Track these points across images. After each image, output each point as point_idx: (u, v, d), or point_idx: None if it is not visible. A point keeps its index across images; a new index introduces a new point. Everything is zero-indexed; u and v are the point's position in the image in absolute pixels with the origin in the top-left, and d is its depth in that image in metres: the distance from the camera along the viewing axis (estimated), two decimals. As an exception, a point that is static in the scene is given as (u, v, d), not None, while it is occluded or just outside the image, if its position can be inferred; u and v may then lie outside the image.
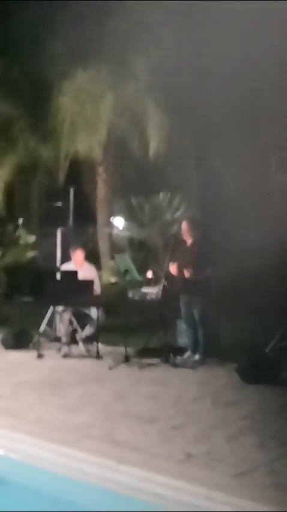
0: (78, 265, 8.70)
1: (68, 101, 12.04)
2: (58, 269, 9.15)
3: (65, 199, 9.70)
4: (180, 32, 11.31)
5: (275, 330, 6.89)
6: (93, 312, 8.33)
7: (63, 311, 8.44)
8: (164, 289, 7.61)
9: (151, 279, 8.93)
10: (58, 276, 8.76)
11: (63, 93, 12.03)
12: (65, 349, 8.21)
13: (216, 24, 9.33)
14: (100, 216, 14.05)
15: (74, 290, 8.10)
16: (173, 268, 7.53)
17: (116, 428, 4.76)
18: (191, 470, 3.85)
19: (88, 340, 8.36)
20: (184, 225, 7.71)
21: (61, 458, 4.23)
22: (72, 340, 8.42)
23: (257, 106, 10.75)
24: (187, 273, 7.33)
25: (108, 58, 11.99)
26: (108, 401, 5.65)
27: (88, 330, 8.42)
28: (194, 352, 7.54)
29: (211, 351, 7.44)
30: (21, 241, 12.54)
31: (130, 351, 7.69)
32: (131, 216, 13.49)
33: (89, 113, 12.21)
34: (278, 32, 8.53)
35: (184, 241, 7.67)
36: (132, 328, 8.04)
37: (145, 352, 7.81)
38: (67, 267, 8.81)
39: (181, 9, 10.62)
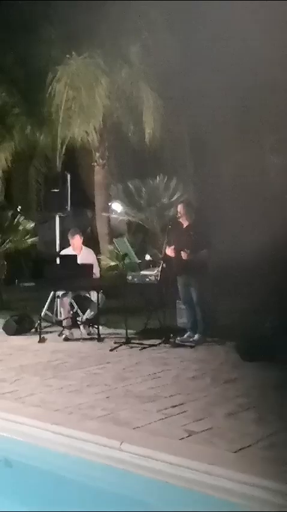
0: (77, 250, 8.68)
1: (62, 86, 11.93)
2: (58, 254, 9.14)
3: (62, 185, 9.68)
4: (173, 15, 11.19)
5: (273, 309, 6.89)
6: (94, 296, 8.33)
7: (64, 295, 8.44)
8: (163, 271, 7.60)
9: (150, 261, 8.93)
10: (58, 261, 8.75)
11: (58, 79, 11.92)
12: (66, 332, 8.23)
13: (212, 8, 9.21)
14: (98, 201, 14.04)
15: (74, 274, 8.09)
16: (170, 251, 7.52)
17: (117, 409, 4.76)
18: (192, 446, 3.86)
19: (89, 323, 8.37)
20: (180, 208, 7.70)
21: (64, 439, 4.24)
22: (74, 324, 8.44)
23: (253, 89, 10.67)
24: (183, 255, 7.34)
25: (101, 43, 11.88)
26: (110, 383, 5.66)
27: (89, 313, 8.43)
28: (193, 332, 7.55)
29: (210, 330, 7.46)
30: (21, 228, 12.49)
31: (131, 332, 7.71)
32: (128, 200, 13.45)
33: (84, 98, 12.12)
34: (276, 19, 8.42)
35: (181, 224, 7.66)
36: (133, 310, 8.05)
37: (145, 334, 7.85)
38: (67, 252, 8.80)
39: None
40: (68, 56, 11.78)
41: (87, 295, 8.45)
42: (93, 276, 8.24)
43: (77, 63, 11.86)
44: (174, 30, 11.22)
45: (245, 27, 9.26)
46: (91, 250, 8.96)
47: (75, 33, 11.80)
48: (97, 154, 13.83)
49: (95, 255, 8.99)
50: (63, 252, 8.94)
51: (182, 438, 4.01)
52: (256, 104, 10.67)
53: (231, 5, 8.93)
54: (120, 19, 11.73)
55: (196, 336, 7.45)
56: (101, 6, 11.30)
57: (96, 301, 8.17)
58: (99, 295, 8.17)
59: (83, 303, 8.46)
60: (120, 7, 11.35)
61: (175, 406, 4.77)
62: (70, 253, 8.62)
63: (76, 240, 8.73)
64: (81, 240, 8.78)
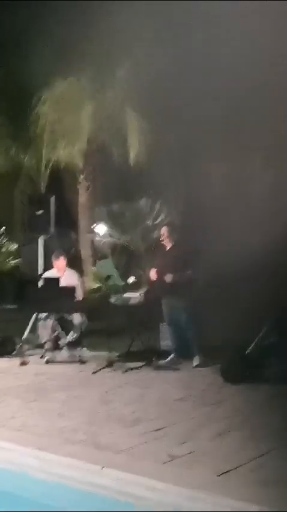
0: (61, 272, 8.62)
1: (48, 108, 11.98)
2: (40, 276, 9.07)
3: (46, 207, 9.66)
4: (158, 41, 11.32)
5: (258, 328, 6.86)
6: (77, 318, 8.24)
7: (46, 317, 8.35)
8: (146, 293, 7.57)
9: (133, 283, 8.89)
10: (40, 283, 8.67)
11: (44, 101, 11.97)
12: (48, 355, 8.12)
13: (195, 31, 9.34)
14: (82, 223, 14.01)
15: (57, 296, 8.02)
16: (153, 273, 7.50)
17: (100, 432, 4.67)
18: (175, 471, 3.78)
19: (72, 345, 8.28)
20: (164, 230, 7.70)
21: (45, 464, 4.14)
22: (56, 346, 8.34)
23: (239, 110, 10.76)
24: (167, 276, 7.31)
25: (88, 66, 11.98)
26: (92, 406, 5.57)
27: (71, 336, 8.34)
28: (177, 354, 7.49)
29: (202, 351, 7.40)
30: (4, 249, 12.42)
31: (114, 355, 7.63)
32: (112, 222, 13.47)
33: (69, 121, 12.18)
34: (259, 33, 8.56)
35: (164, 246, 7.65)
36: (116, 332, 7.98)
37: (128, 356, 7.77)
38: (50, 274, 8.73)
39: (159, 22, 10.62)
40: (54, 78, 11.85)
41: (70, 317, 8.36)
42: (76, 298, 8.17)
43: (63, 86, 11.93)
44: (160, 54, 11.34)
45: (231, 48, 9.36)
46: (75, 272, 8.90)
47: (62, 57, 11.88)
48: (82, 176, 13.85)
49: (78, 277, 8.92)
50: (46, 274, 8.87)
51: (166, 462, 3.93)
52: (241, 125, 10.76)
53: (214, 28, 9.05)
54: (106, 43, 11.84)
55: (196, 359, 7.35)
56: (88, 30, 11.41)
57: (78, 324, 8.09)
58: (82, 317, 8.09)
59: (65, 325, 8.37)
60: (107, 31, 11.46)
61: (158, 429, 4.70)
62: (53, 275, 8.55)
63: (60, 262, 8.67)
64: (65, 262, 8.73)
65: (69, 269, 8.78)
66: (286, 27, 8.08)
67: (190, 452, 4.11)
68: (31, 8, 11.43)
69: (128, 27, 11.44)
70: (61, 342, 8.35)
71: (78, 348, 8.00)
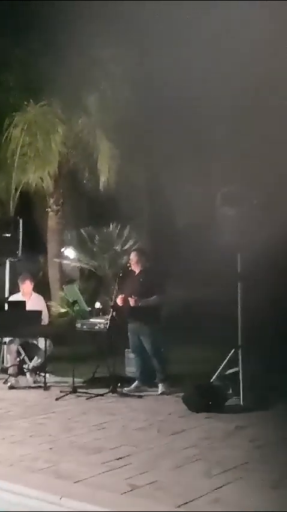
0: (27, 295, 8.54)
1: (19, 132, 11.99)
2: (6, 300, 8.96)
3: (14, 230, 9.58)
4: (130, 66, 11.48)
5: (222, 358, 6.90)
6: (42, 343, 8.16)
7: (11, 342, 8.24)
8: (112, 319, 7.54)
9: (100, 309, 8.87)
10: (5, 307, 8.57)
11: (15, 125, 11.98)
12: (11, 380, 8.00)
13: (166, 58, 9.51)
14: (51, 247, 13.94)
15: (22, 321, 7.93)
16: (120, 298, 7.49)
17: (61, 461, 4.61)
18: (136, 501, 3.75)
19: (36, 370, 8.17)
20: (132, 256, 7.74)
21: (3, 494, 4.06)
22: (20, 371, 8.22)
23: (207, 137, 10.92)
24: (133, 302, 7.32)
25: (59, 92, 12.05)
26: (54, 433, 5.50)
27: (36, 361, 8.23)
28: (141, 381, 7.47)
29: (168, 379, 7.38)
30: None
31: (78, 381, 7.56)
32: (81, 246, 13.44)
33: (40, 144, 12.19)
34: (234, 58, 8.75)
35: (132, 271, 7.67)
36: (81, 358, 7.92)
37: (92, 382, 7.72)
38: (16, 297, 8.64)
39: (132, 46, 10.79)
40: (26, 103, 11.88)
41: (35, 342, 8.27)
42: (42, 323, 8.09)
43: (35, 111, 11.97)
44: (132, 81, 11.49)
45: (204, 75, 9.53)
46: (41, 296, 8.83)
47: (34, 82, 11.95)
48: (51, 200, 13.81)
49: (44, 302, 8.85)
50: (12, 298, 8.77)
51: (125, 492, 3.89)
52: (211, 154, 10.90)
53: (189, 54, 9.19)
54: (79, 69, 11.95)
55: (160, 387, 7.32)
56: (61, 56, 11.51)
57: (43, 349, 8.01)
58: (47, 342, 8.01)
59: (30, 350, 8.27)
60: (80, 57, 11.58)
61: (120, 458, 4.66)
62: (19, 299, 8.47)
63: (26, 286, 8.60)
64: (32, 286, 8.66)
65: (36, 293, 8.71)
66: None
67: (151, 483, 4.08)
68: (4, 35, 11.51)
69: (98, 56, 11.63)
70: (25, 367, 8.23)
71: (43, 374, 7.89)
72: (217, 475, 4.22)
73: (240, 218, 6.58)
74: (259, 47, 8.15)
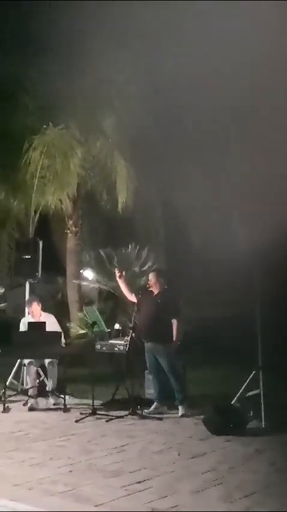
0: (37, 317, 8.59)
1: (38, 155, 12.13)
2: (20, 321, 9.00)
3: (34, 252, 9.67)
4: (146, 87, 11.61)
5: (242, 379, 6.85)
6: (54, 362, 8.18)
7: (30, 363, 8.27)
8: (132, 341, 7.54)
9: (119, 330, 8.87)
10: (22, 328, 8.61)
11: (34, 148, 12.13)
12: (31, 401, 8.01)
13: (180, 75, 9.59)
14: (69, 268, 14.00)
15: (41, 342, 7.96)
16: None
17: (80, 484, 4.60)
18: (156, 525, 3.72)
19: (55, 392, 8.18)
20: (151, 277, 7.76)
21: (22, 517, 4.05)
22: (40, 393, 8.24)
23: (226, 156, 10.95)
24: (152, 323, 7.32)
25: (77, 114, 12.21)
26: (74, 456, 5.49)
27: (55, 382, 8.24)
28: (160, 402, 7.43)
29: (187, 401, 7.34)
30: (-10, 293, 12.36)
31: (97, 403, 7.55)
32: (100, 268, 13.48)
33: (59, 167, 12.31)
34: (242, 73, 8.81)
35: (151, 293, 7.68)
36: (100, 379, 7.91)
37: (112, 404, 7.69)
38: (26, 320, 8.67)
39: (146, 65, 10.91)
40: (44, 126, 12.04)
41: (54, 363, 8.27)
42: (60, 344, 8.11)
43: (53, 133, 12.09)
44: (148, 103, 11.60)
45: (219, 90, 9.59)
46: (51, 315, 8.86)
47: (52, 105, 12.12)
48: (70, 221, 13.91)
49: (55, 319, 8.86)
50: (23, 320, 8.80)
51: (146, 516, 3.87)
52: (228, 173, 10.92)
53: (202, 72, 9.26)
54: (94, 90, 12.12)
55: (180, 409, 7.28)
56: (76, 74, 11.70)
57: (50, 370, 8.04)
58: (53, 362, 8.04)
59: (49, 371, 8.28)
60: (94, 78, 11.76)
61: (140, 481, 4.63)
62: (36, 320, 8.51)
63: (34, 308, 8.66)
64: (40, 307, 8.70)
65: (46, 313, 8.76)
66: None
67: (172, 507, 4.05)
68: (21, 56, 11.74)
69: (112, 77, 11.78)
70: (45, 389, 8.24)
71: (62, 395, 7.89)
72: (237, 500, 4.18)
73: (257, 236, 6.58)
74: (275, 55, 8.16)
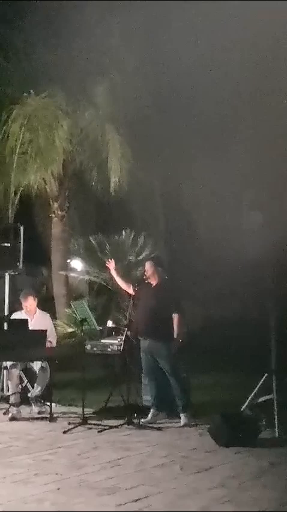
0: (31, 313, 8.59)
1: (18, 127, 12.09)
2: (6, 318, 9.02)
3: (14, 239, 9.65)
4: (142, 53, 11.57)
5: (253, 383, 6.88)
6: (47, 367, 8.19)
7: (12, 366, 8.28)
8: (127, 340, 7.56)
9: (112, 328, 8.89)
10: (6, 326, 8.63)
11: (14, 119, 12.08)
12: (13, 410, 8.04)
13: (179, 44, 9.61)
14: (55, 258, 14.01)
15: (24, 342, 7.96)
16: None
17: (69, 503, 4.63)
18: None
19: (40, 399, 8.20)
20: (148, 266, 7.75)
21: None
22: (22, 400, 8.25)
23: (231, 130, 10.95)
24: (150, 319, 7.34)
25: (64, 81, 12.15)
26: (62, 471, 5.51)
27: (40, 388, 8.26)
28: (159, 408, 7.47)
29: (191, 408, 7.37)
30: None
31: (88, 411, 7.58)
32: (90, 257, 13.48)
33: (42, 141, 12.28)
34: (246, 48, 8.86)
35: (149, 284, 7.69)
36: (91, 385, 7.95)
37: (105, 413, 7.72)
38: (18, 315, 8.69)
39: (142, 30, 10.90)
40: (25, 94, 11.99)
41: (39, 366, 8.29)
42: (49, 344, 8.13)
43: (36, 103, 12.06)
44: (144, 69, 11.57)
45: (221, 61, 9.62)
46: (47, 314, 8.88)
47: (35, 70, 12.06)
48: (55, 204, 13.89)
49: (51, 320, 8.90)
50: (14, 316, 8.82)
51: (145, 539, 3.90)
52: (235, 152, 10.94)
53: (206, 41, 9.30)
54: (85, 55, 12.06)
55: (183, 418, 7.32)
56: (65, 43, 11.64)
57: (41, 373, 8.05)
58: (44, 365, 8.05)
59: (34, 375, 8.30)
60: (86, 42, 11.70)
61: (138, 499, 4.66)
62: (22, 317, 8.52)
63: (29, 303, 8.65)
64: (36, 302, 8.71)
65: (42, 311, 8.77)
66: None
67: (173, 528, 4.08)
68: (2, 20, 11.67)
69: (106, 42, 11.72)
70: (28, 395, 8.26)
71: (48, 403, 7.92)
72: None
73: (270, 225, 6.60)
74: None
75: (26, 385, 8.34)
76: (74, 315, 10.70)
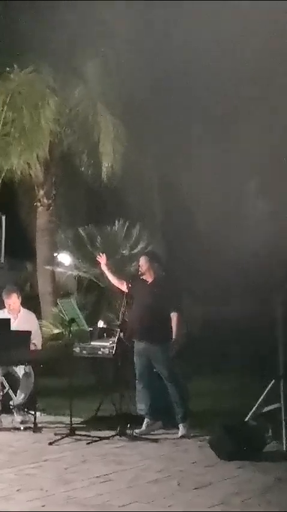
0: (14, 312, 8.61)
1: (0, 106, 12.07)
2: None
3: (-5, 230, 9.68)
4: (139, 25, 11.55)
5: (258, 391, 6.92)
6: (31, 372, 8.22)
7: (-8, 371, 8.31)
8: (120, 342, 7.58)
9: (103, 329, 8.91)
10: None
11: (-6, 97, 12.07)
12: (-7, 420, 8.07)
13: (177, 19, 9.64)
14: (40, 251, 14.01)
15: (7, 344, 7.98)
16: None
17: (56, 521, 4.66)
18: None
19: (24, 407, 8.23)
20: (143, 261, 7.76)
21: None
22: (4, 409, 8.28)
23: (233, 109, 10.97)
24: (145, 319, 7.36)
25: (51, 55, 12.12)
26: (47, 486, 5.54)
27: (24, 395, 8.29)
28: (153, 417, 7.49)
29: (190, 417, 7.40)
30: None
31: (76, 421, 7.60)
32: (79, 250, 13.49)
33: (26, 121, 12.26)
34: (241, 30, 8.91)
35: (144, 281, 7.70)
36: (80, 392, 7.97)
37: (95, 423, 7.74)
38: (0, 315, 8.70)
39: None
40: (8, 69, 11.96)
41: (22, 371, 8.31)
42: (33, 347, 8.15)
43: (20, 78, 12.03)
44: (139, 44, 11.55)
45: (220, 43, 9.66)
46: (32, 313, 8.90)
47: (19, 42, 12.02)
48: (41, 191, 13.88)
49: (36, 320, 8.92)
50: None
51: None
52: (237, 136, 10.97)
53: (205, 22, 9.33)
54: (76, 28, 12.03)
55: (181, 429, 7.34)
56: (52, 11, 11.60)
57: (24, 379, 8.08)
58: (27, 370, 8.08)
59: (16, 381, 8.33)
60: (77, 14, 11.67)
61: (131, 518, 4.70)
62: (4, 317, 8.53)
63: (13, 300, 8.67)
64: (20, 300, 8.72)
65: (26, 310, 8.79)
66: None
67: None
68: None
69: (98, 13, 11.70)
70: (11, 403, 8.29)
71: (32, 412, 7.94)
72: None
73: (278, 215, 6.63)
74: None
75: (7, 392, 8.36)
76: (61, 314, 10.72)
